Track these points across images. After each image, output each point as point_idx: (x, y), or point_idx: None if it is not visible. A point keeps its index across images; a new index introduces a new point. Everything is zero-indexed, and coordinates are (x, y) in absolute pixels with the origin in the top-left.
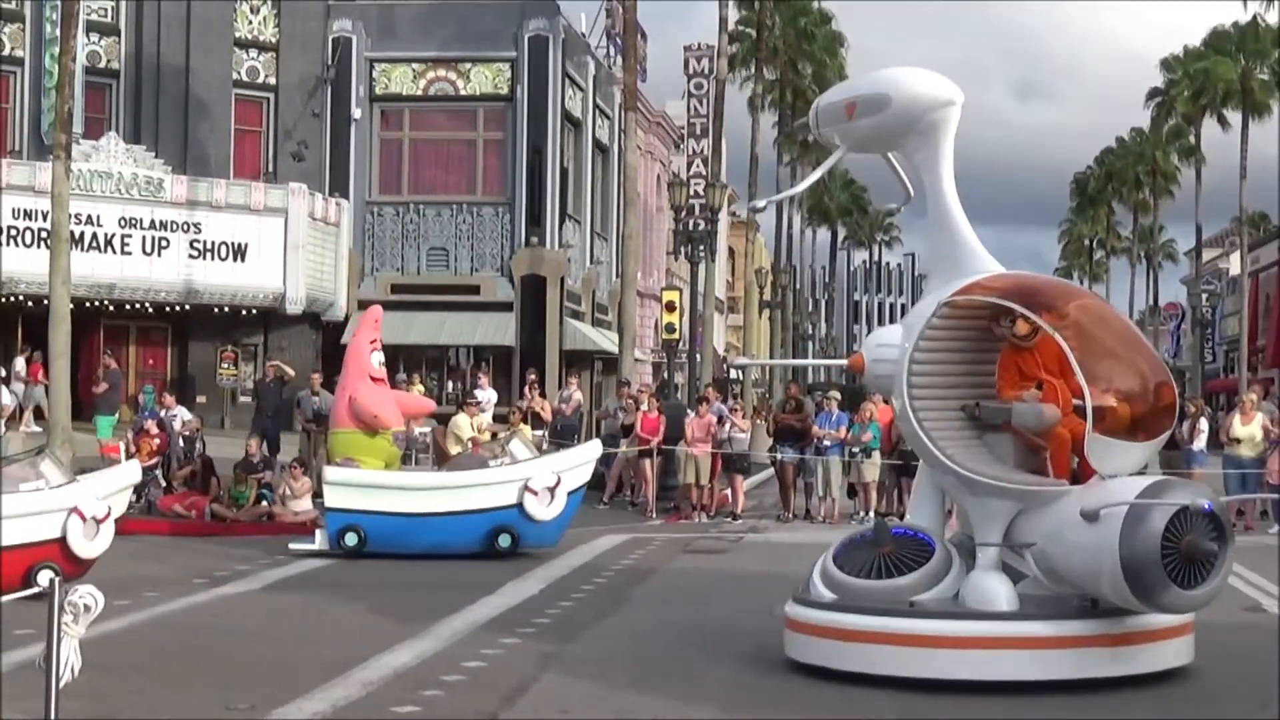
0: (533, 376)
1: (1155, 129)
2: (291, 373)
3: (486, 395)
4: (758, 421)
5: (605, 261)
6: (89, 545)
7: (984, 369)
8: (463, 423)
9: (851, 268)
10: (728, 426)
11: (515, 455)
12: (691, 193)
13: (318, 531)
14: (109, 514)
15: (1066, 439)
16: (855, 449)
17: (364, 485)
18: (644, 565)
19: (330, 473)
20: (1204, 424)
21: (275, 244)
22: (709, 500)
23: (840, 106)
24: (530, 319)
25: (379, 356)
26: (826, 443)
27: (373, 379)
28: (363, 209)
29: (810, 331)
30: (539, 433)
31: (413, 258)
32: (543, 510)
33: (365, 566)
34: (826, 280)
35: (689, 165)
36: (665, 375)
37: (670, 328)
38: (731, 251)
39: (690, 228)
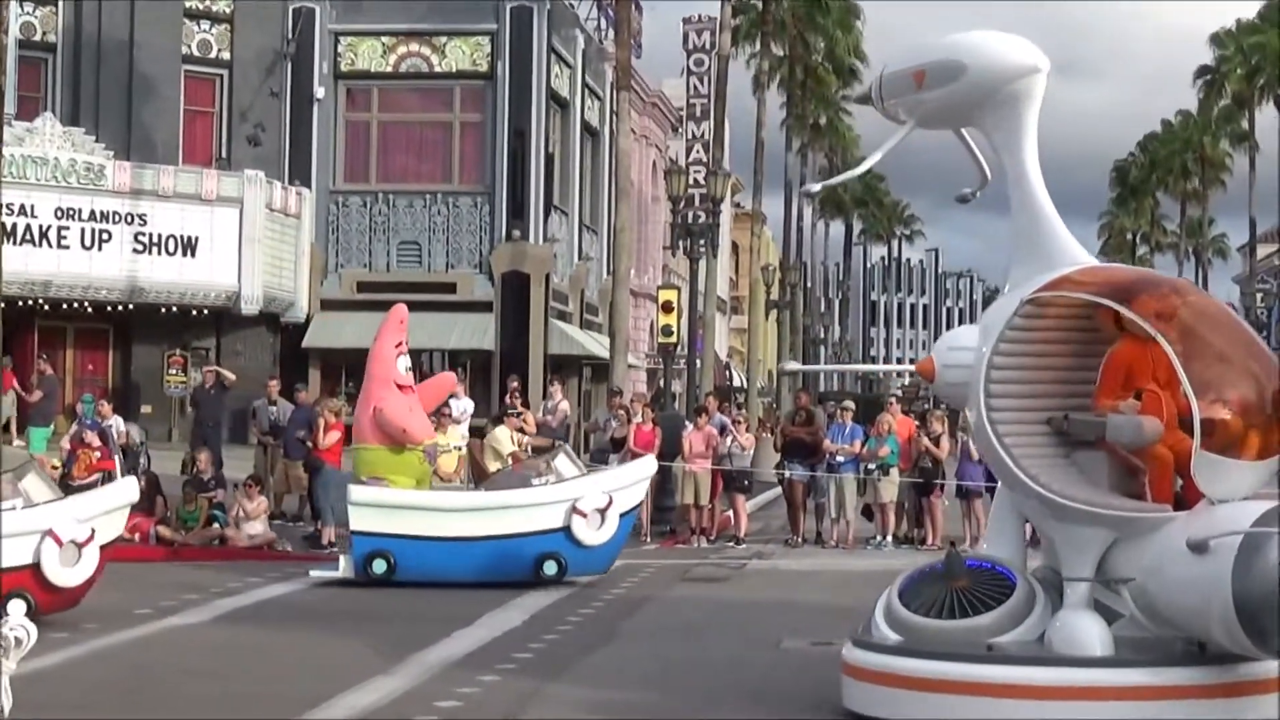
0: (514, 384)
1: (1204, 111)
2: (232, 377)
3: (462, 405)
4: (763, 435)
5: (595, 257)
6: (67, 573)
7: (1073, 376)
8: (502, 436)
9: (868, 264)
10: (729, 440)
11: (561, 473)
12: (691, 181)
13: (341, 558)
14: (92, 537)
15: (1169, 458)
16: (871, 465)
17: (393, 506)
18: (637, 594)
19: (355, 492)
20: None
21: (229, 237)
22: (709, 522)
23: (908, 75)
24: (512, 320)
25: (405, 361)
26: (840, 459)
27: (399, 387)
28: (326, 199)
29: (822, 335)
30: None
31: (381, 253)
32: (592, 534)
33: (330, 595)
34: (840, 278)
35: (688, 151)
36: (661, 383)
37: (667, 330)
38: (735, 246)
39: (689, 220)
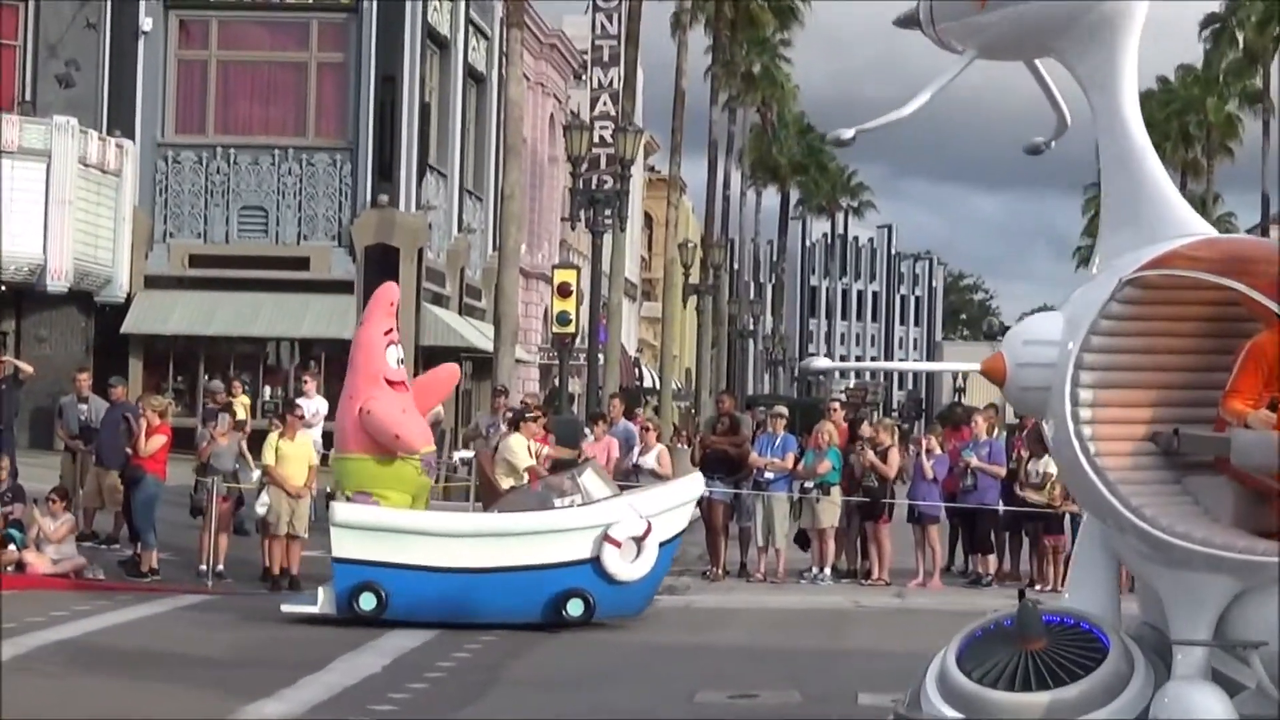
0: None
1: (1210, 67)
2: (28, 369)
3: (313, 405)
4: (679, 446)
5: (479, 229)
6: (628, 568)
7: (1189, 378)
8: (518, 446)
9: (808, 243)
10: (636, 452)
11: (590, 492)
12: (595, 139)
13: (320, 590)
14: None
15: None
16: (808, 484)
17: (384, 529)
18: (522, 635)
19: (339, 511)
20: None
21: (32, 199)
22: None
23: None
24: None
25: (396, 353)
26: (769, 475)
27: (390, 383)
28: (153, 154)
29: (751, 326)
30: None
31: (220, 220)
32: (626, 567)
33: (155, 632)
34: (774, 259)
35: (593, 103)
36: (556, 382)
37: (564, 318)
38: (649, 219)
39: (593, 186)
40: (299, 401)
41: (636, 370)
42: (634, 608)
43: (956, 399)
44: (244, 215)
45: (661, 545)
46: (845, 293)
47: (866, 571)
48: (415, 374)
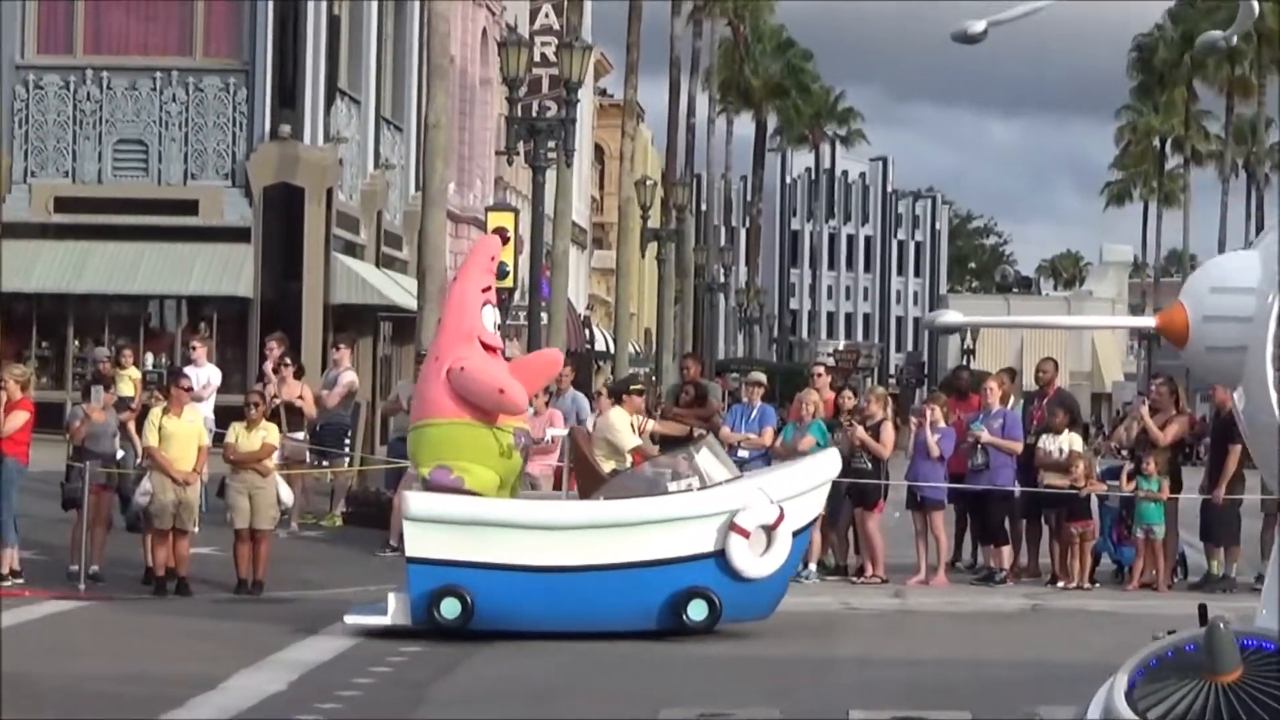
0: (277, 347)
1: None
2: None
3: (204, 375)
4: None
5: (399, 166)
6: (758, 562)
7: None
8: (620, 421)
9: (788, 179)
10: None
11: (708, 474)
12: (536, 58)
13: (390, 596)
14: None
15: None
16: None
17: (470, 522)
18: (452, 646)
19: (413, 502)
20: None
21: None
22: None
23: None
24: (278, 255)
25: (493, 314)
26: (744, 453)
27: (485, 347)
28: (10, 78)
29: (722, 278)
30: (299, 436)
31: (91, 156)
32: (756, 562)
33: (43, 646)
34: (749, 198)
35: (533, 16)
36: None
37: (501, 270)
38: (600, 152)
39: (534, 113)
40: (186, 371)
41: (586, 331)
42: (763, 609)
43: (964, 361)
44: (120, 151)
45: (794, 535)
46: (833, 238)
47: (859, 568)
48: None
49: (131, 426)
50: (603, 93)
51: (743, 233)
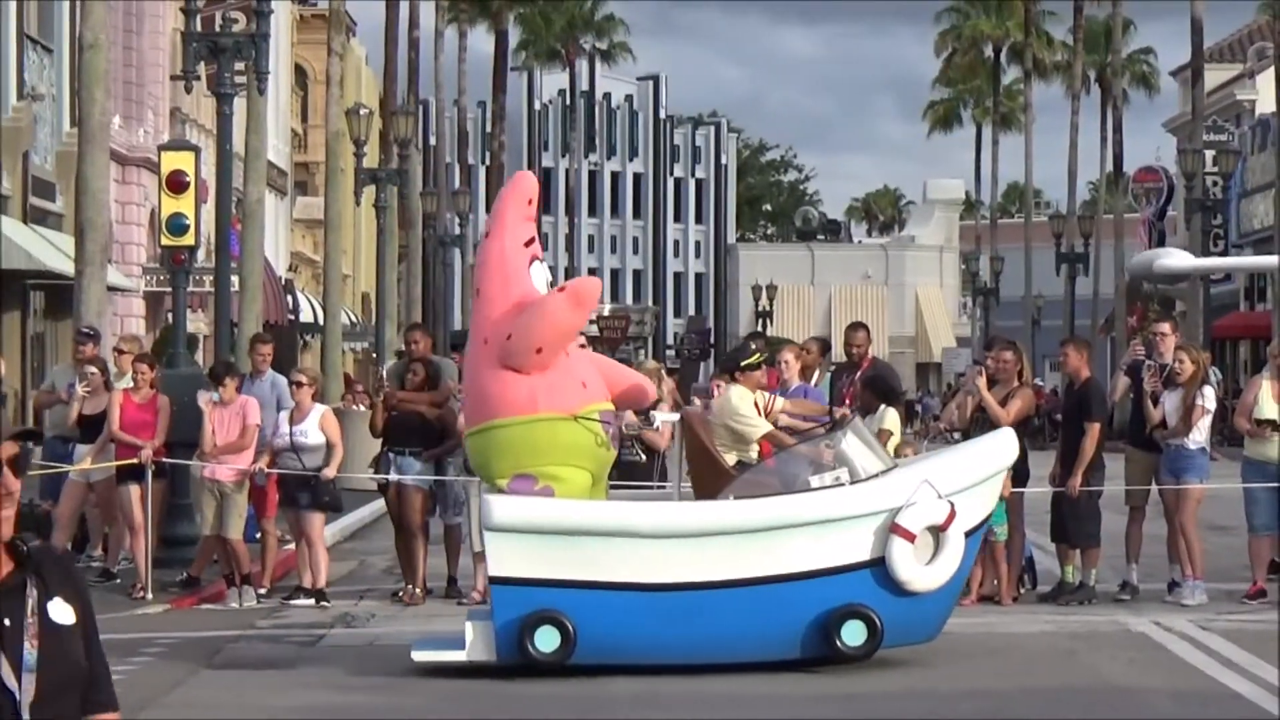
0: None
1: None
2: None
3: None
4: (355, 407)
5: (48, 95)
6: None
7: None
8: (742, 403)
9: (537, 105)
10: (283, 419)
11: (857, 464)
12: None
13: (469, 626)
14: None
15: None
16: None
17: (569, 532)
18: (131, 699)
19: (496, 507)
20: (1208, 396)
21: None
22: (257, 565)
23: None
24: None
25: (542, 271)
26: None
27: None
28: None
29: (457, 229)
30: None
31: None
32: (923, 571)
33: None
34: (488, 129)
35: None
36: (170, 318)
37: (178, 225)
38: (301, 75)
39: (216, 27)
40: None
41: (289, 299)
42: (931, 628)
43: (759, 327)
44: None
45: (967, 535)
46: (594, 176)
47: None
48: None
49: None
50: (303, 1)
51: (482, 171)
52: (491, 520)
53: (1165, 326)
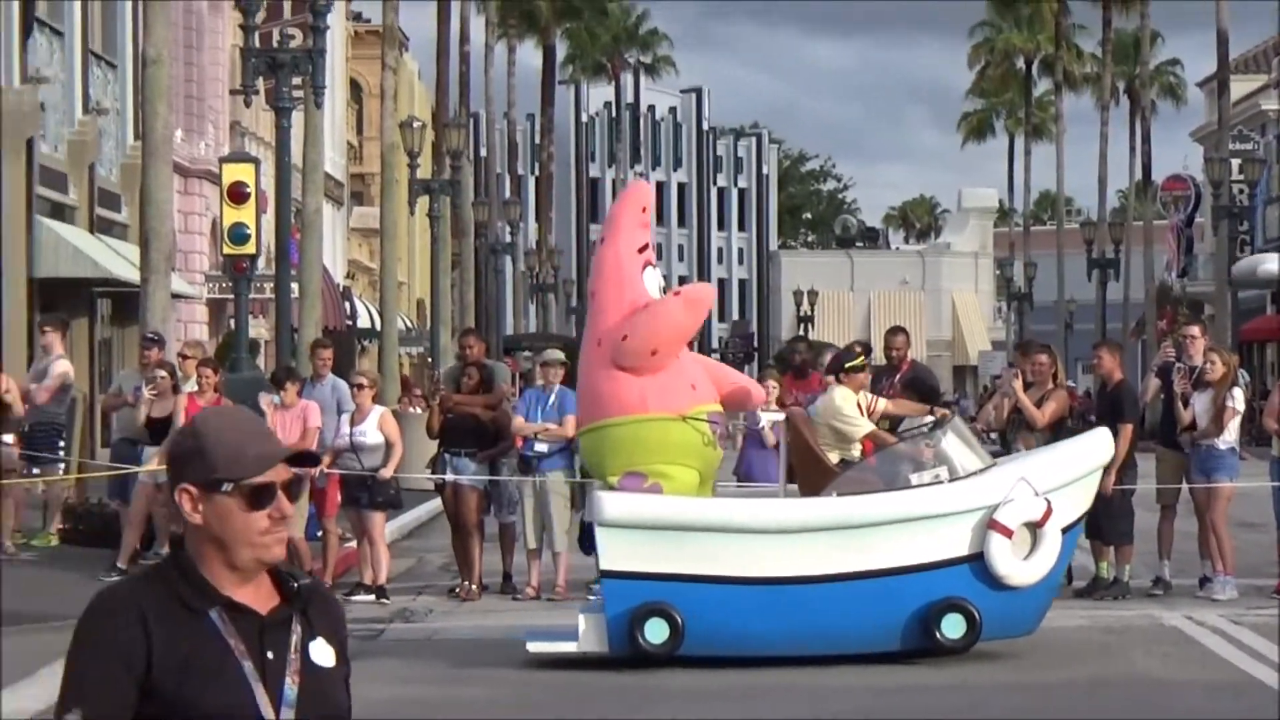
0: None
1: None
2: None
3: None
4: (410, 410)
5: (114, 110)
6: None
7: None
8: (845, 403)
9: (584, 117)
10: (344, 422)
11: (957, 462)
12: None
13: (581, 618)
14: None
15: None
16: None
17: (678, 527)
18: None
19: (607, 504)
20: (1238, 398)
21: None
22: (318, 562)
23: None
24: None
25: (656, 277)
26: (542, 446)
27: None
28: None
29: (508, 236)
30: (5, 439)
31: None
32: (1021, 566)
33: None
34: (536, 141)
35: None
36: (232, 324)
37: (239, 234)
38: (357, 89)
39: (275, 43)
40: None
41: (347, 305)
42: (1029, 622)
43: (801, 331)
44: None
45: (1064, 532)
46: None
47: None
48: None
49: None
50: (357, 17)
51: (531, 182)
52: (603, 516)
53: (1195, 329)
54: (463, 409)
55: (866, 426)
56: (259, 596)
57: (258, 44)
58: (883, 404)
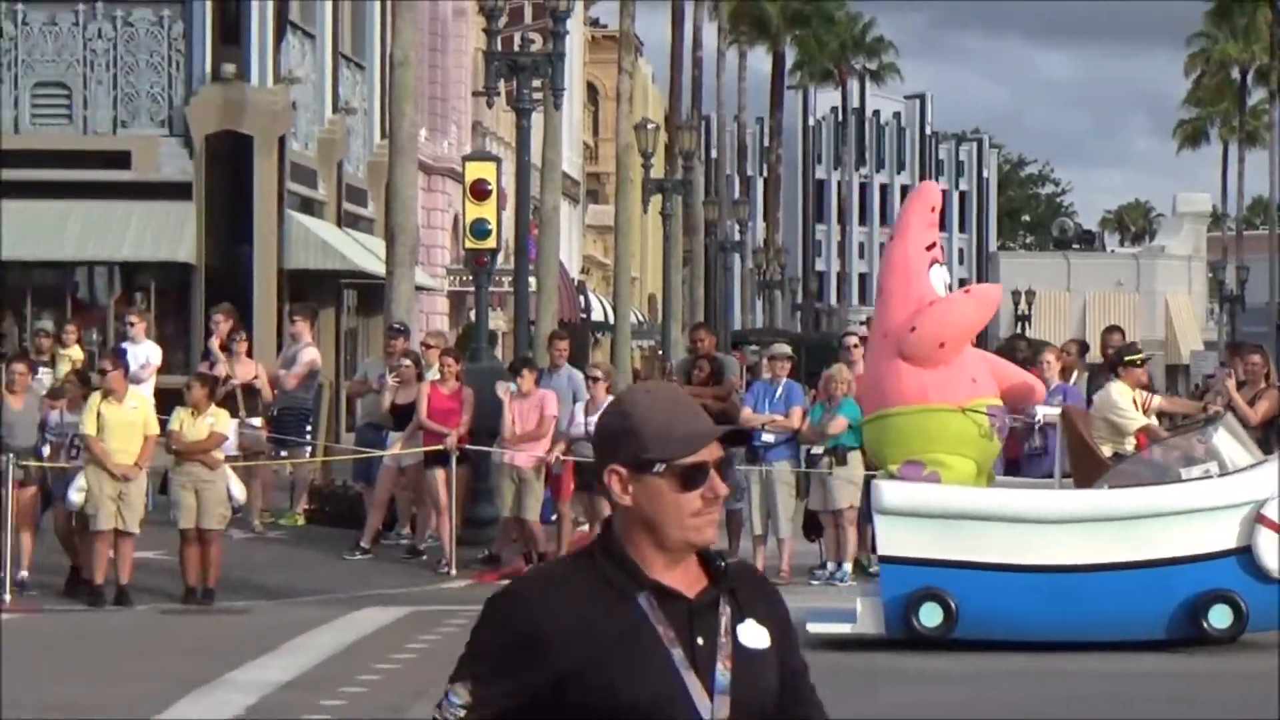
0: (224, 320)
1: None
2: None
3: (142, 353)
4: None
5: (361, 110)
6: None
7: None
8: (1122, 398)
9: (811, 121)
10: (579, 411)
11: (1228, 458)
12: None
13: (859, 601)
14: None
15: None
16: (818, 450)
17: (953, 515)
18: (434, 668)
19: (886, 492)
20: None
21: None
22: (553, 545)
23: None
24: (223, 214)
25: (942, 274)
26: (767, 437)
27: None
28: None
29: (738, 235)
30: (254, 423)
31: (6, 103)
32: None
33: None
34: (765, 143)
35: None
36: (472, 316)
37: (481, 229)
38: (593, 92)
39: (516, 47)
40: (123, 346)
41: (581, 299)
42: None
43: (1019, 329)
44: (39, 96)
45: None
46: (864, 188)
47: None
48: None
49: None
50: (595, 23)
51: (760, 183)
52: (882, 504)
53: None
54: (695, 398)
55: (1141, 421)
56: (687, 579)
57: (500, 48)
58: (1158, 400)
